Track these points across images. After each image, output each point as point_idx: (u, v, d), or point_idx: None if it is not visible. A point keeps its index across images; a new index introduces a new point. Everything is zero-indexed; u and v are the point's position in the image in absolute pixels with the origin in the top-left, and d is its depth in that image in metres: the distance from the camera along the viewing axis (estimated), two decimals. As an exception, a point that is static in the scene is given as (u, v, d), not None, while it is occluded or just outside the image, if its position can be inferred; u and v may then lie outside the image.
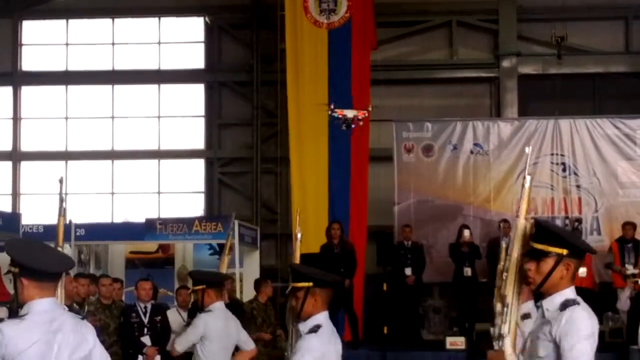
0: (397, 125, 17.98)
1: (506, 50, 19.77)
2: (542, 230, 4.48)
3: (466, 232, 16.07)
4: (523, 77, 19.73)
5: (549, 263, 4.40)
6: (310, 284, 5.85)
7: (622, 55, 19.90)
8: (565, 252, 4.39)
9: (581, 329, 4.30)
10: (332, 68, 17.31)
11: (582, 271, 15.03)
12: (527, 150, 5.55)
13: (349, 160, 17.10)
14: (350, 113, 16.62)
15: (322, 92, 17.24)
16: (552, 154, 17.66)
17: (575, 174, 17.61)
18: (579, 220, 17.09)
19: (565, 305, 4.36)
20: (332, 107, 16.59)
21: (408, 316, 16.08)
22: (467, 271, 15.92)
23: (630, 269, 15.19)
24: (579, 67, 19.52)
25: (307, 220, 16.91)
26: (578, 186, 17.59)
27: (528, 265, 4.42)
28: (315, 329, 5.83)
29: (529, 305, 5.97)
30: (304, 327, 5.86)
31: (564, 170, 17.63)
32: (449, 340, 14.41)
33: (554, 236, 4.44)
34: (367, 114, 16.64)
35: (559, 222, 17.05)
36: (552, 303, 4.41)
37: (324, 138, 17.14)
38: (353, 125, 16.73)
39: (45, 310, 4.72)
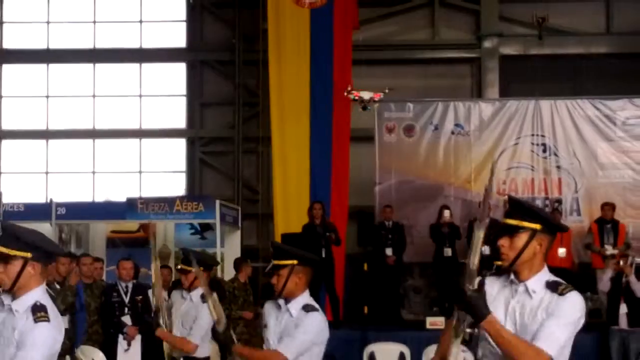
0: (378, 105, 17.99)
1: (488, 30, 19.82)
2: (515, 206, 4.46)
3: (447, 213, 16.12)
4: (504, 58, 19.78)
5: (522, 238, 4.36)
6: (295, 262, 5.88)
7: (603, 36, 19.97)
8: (538, 227, 4.37)
9: (571, 312, 4.29)
10: (314, 48, 17.31)
11: (562, 252, 15.18)
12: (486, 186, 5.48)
13: (330, 140, 17.12)
14: (366, 95, 16.61)
15: (304, 71, 17.24)
16: (533, 135, 17.73)
17: (556, 154, 17.68)
18: (559, 201, 17.18)
19: (555, 286, 4.33)
20: (349, 88, 16.60)
21: (388, 296, 16.14)
22: (448, 251, 15.97)
23: (609, 250, 15.29)
24: (560, 48, 19.58)
25: (289, 200, 17.01)
26: (558, 167, 17.68)
27: (502, 242, 4.38)
28: (312, 307, 5.88)
29: None
30: (294, 306, 5.86)
31: (544, 151, 17.70)
32: (429, 320, 14.46)
33: (527, 211, 4.43)
34: (382, 96, 16.65)
35: (539, 203, 17.16)
36: (538, 284, 4.37)
37: (306, 118, 17.15)
38: (369, 107, 16.77)
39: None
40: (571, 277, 14.47)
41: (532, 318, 4.29)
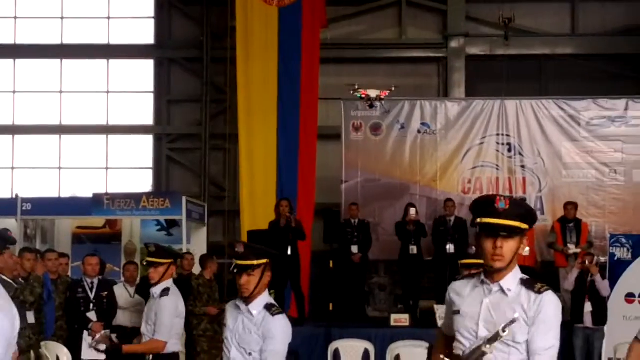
0: (345, 104, 18.09)
1: (454, 30, 19.93)
2: (517, 207, 4.38)
3: (412, 211, 16.20)
4: (471, 58, 19.90)
5: (516, 239, 4.33)
6: (268, 260, 5.81)
7: (568, 37, 20.14)
8: (527, 227, 4.38)
9: (556, 315, 4.33)
10: (282, 46, 17.34)
11: (526, 250, 15.29)
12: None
13: (297, 138, 17.16)
14: (373, 93, 16.80)
15: (272, 69, 17.27)
16: (498, 134, 17.89)
17: (521, 154, 17.85)
18: (524, 200, 17.30)
19: (531, 284, 4.35)
20: (356, 87, 16.73)
21: (353, 293, 16.23)
22: (413, 249, 16.06)
23: (572, 249, 15.45)
24: (526, 49, 19.73)
25: (256, 197, 17.05)
26: (523, 166, 17.84)
27: (501, 243, 4.29)
28: (276, 308, 5.83)
29: None
30: (255, 306, 5.79)
31: (509, 150, 17.86)
32: (394, 317, 14.56)
33: (525, 213, 4.40)
34: (388, 94, 16.79)
35: (503, 202, 17.25)
36: (512, 282, 4.37)
37: (273, 116, 17.19)
38: (376, 105, 16.95)
39: None
40: (535, 275, 14.63)
41: (509, 310, 4.29)
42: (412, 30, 20.34)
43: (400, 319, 14.43)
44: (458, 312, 4.43)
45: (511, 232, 4.30)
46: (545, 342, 4.27)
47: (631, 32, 19.84)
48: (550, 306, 4.31)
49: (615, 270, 13.66)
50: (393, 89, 16.78)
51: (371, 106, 17.14)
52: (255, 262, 5.72)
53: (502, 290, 4.34)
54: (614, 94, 18.18)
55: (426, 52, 20.29)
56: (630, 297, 13.46)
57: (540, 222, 17.06)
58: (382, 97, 16.86)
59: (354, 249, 16.06)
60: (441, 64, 20.26)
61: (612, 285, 13.14)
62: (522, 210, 4.39)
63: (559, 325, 4.34)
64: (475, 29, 20.14)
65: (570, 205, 15.95)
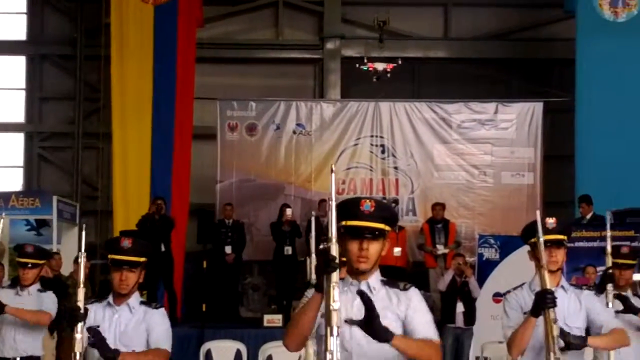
0: (221, 104, 18.08)
1: (330, 32, 20.06)
2: (381, 209, 4.44)
3: (288, 211, 16.29)
4: (346, 60, 20.06)
5: (380, 241, 4.40)
6: (146, 259, 5.83)
7: (441, 41, 20.48)
8: (390, 229, 4.44)
9: (425, 305, 4.46)
10: (157, 44, 17.16)
11: (397, 251, 15.53)
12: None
13: (172, 138, 17.00)
14: (380, 66, 17.41)
15: (147, 68, 17.07)
16: (372, 136, 18.13)
17: (394, 155, 18.12)
18: (396, 201, 17.54)
19: (393, 282, 4.45)
20: (365, 60, 17.19)
21: (227, 294, 16.21)
22: (288, 250, 16.14)
23: (440, 249, 15.75)
24: (400, 52, 19.95)
25: (129, 196, 16.84)
26: (396, 168, 18.12)
27: (367, 245, 4.34)
28: (157, 304, 5.89)
29: None
30: (133, 303, 5.79)
31: (382, 152, 18.11)
32: (267, 317, 14.58)
33: (389, 215, 4.47)
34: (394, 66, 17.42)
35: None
36: (376, 281, 4.45)
37: (148, 115, 17.00)
38: (383, 78, 17.88)
39: None
40: (405, 275, 14.89)
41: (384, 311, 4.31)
42: (288, 31, 20.40)
43: (273, 319, 14.46)
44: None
45: (376, 234, 4.35)
46: (424, 320, 4.38)
47: (502, 37, 20.33)
48: (418, 297, 4.43)
49: (483, 270, 13.93)
50: (400, 62, 17.39)
51: (377, 79, 17.64)
52: (138, 259, 5.73)
53: (369, 289, 4.39)
54: (485, 98, 18.63)
55: (302, 53, 20.37)
56: (497, 296, 13.69)
57: (412, 223, 17.42)
58: (389, 69, 17.34)
59: (228, 249, 16.06)
60: (317, 65, 20.37)
61: (480, 285, 13.40)
62: (386, 212, 4.45)
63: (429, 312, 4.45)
64: (351, 31, 20.31)
65: (438, 206, 16.26)
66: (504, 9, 20.17)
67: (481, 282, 13.50)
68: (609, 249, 7.26)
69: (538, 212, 5.52)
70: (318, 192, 17.62)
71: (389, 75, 18.03)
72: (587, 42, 16.95)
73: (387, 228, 4.40)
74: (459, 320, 13.37)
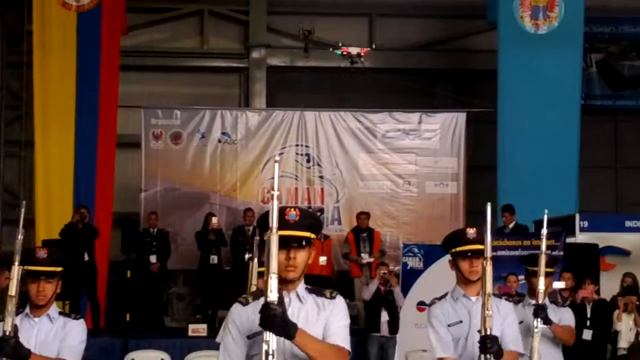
0: (145, 112, 17.97)
1: (256, 41, 20.05)
2: (306, 218, 4.45)
3: (213, 220, 16.28)
4: (272, 69, 20.08)
5: (307, 250, 4.41)
6: (62, 268, 5.76)
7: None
8: (315, 237, 4.50)
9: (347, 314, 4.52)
10: (80, 52, 16.99)
11: (323, 260, 15.57)
12: None
13: (95, 146, 16.83)
14: (354, 50, 17.59)
15: (70, 75, 16.89)
16: (297, 145, 18.18)
17: (319, 165, 18.19)
18: (321, 210, 17.63)
19: (319, 291, 4.48)
20: (340, 44, 17.26)
21: (151, 303, 16.11)
22: (213, 259, 16.13)
23: (365, 258, 15.85)
24: (325, 61, 20.04)
25: (52, 205, 16.64)
26: (321, 177, 18.19)
27: (294, 254, 4.34)
28: (76, 315, 5.83)
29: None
30: (52, 313, 5.73)
31: (308, 161, 18.18)
32: (192, 327, 14.52)
33: (314, 223, 4.51)
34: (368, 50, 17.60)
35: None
36: (304, 290, 4.46)
37: (71, 122, 16.82)
38: (357, 62, 17.98)
39: None
40: (330, 284, 14.94)
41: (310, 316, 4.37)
42: (213, 40, 20.34)
43: (198, 329, 14.41)
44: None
45: (303, 243, 4.35)
46: (341, 330, 4.42)
47: (426, 48, 20.53)
48: (341, 305, 4.47)
49: (407, 279, 14.02)
50: (374, 46, 17.42)
51: (352, 63, 17.67)
52: (57, 269, 5.68)
53: (298, 298, 4.40)
54: (409, 108, 18.79)
55: (228, 62, 20.34)
56: (421, 305, 13.82)
57: (337, 232, 17.50)
58: (363, 54, 17.48)
59: (153, 258, 15.96)
60: (242, 74, 20.35)
61: (405, 293, 13.51)
62: (311, 220, 4.45)
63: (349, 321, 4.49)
64: (277, 40, 20.34)
65: (363, 215, 16.38)
66: (429, 20, 20.38)
67: (405, 290, 13.61)
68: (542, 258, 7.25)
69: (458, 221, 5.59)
70: (244, 201, 17.62)
71: (362, 60, 18.09)
72: (509, 53, 17.20)
73: (313, 236, 4.41)
74: (384, 329, 13.47)
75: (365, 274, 15.64)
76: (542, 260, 7.09)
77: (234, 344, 4.36)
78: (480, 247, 5.64)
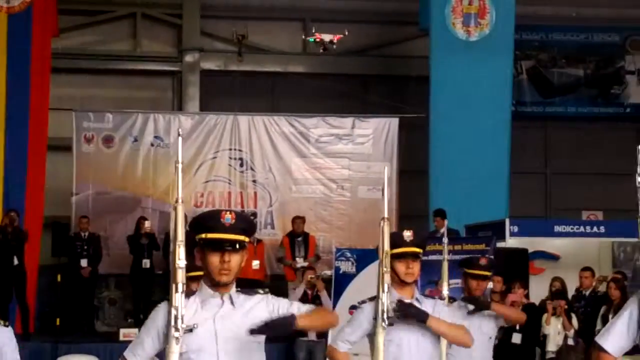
0: (77, 115, 17.81)
1: (189, 45, 19.97)
2: (241, 221, 4.48)
3: (145, 224, 16.21)
4: (205, 73, 20.03)
5: (240, 253, 4.41)
6: None
7: (300, 55, 20.65)
8: (249, 240, 4.56)
9: None
10: (11, 54, 16.78)
11: (255, 264, 15.59)
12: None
13: (26, 149, 16.64)
14: (327, 37, 17.45)
15: (0, 77, 16.71)
16: (231, 149, 18.16)
17: (252, 169, 18.18)
18: (255, 215, 17.62)
19: (249, 291, 4.52)
20: (313, 31, 17.30)
21: (82, 308, 16.00)
22: (146, 263, 16.06)
23: (300, 262, 15.88)
24: (259, 66, 20.08)
25: (-20, 208, 16.42)
26: (254, 181, 18.19)
27: (228, 258, 4.34)
28: (4, 322, 5.80)
29: None
30: None
31: (241, 165, 18.16)
32: (123, 331, 14.43)
33: (248, 226, 4.55)
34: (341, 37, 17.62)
35: (235, 216, 17.57)
36: (234, 293, 4.49)
37: (1, 125, 16.64)
38: (328, 49, 18.01)
39: None
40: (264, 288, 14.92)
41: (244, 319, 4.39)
42: (146, 43, 20.23)
43: (130, 334, 14.27)
44: (190, 330, 4.27)
45: (237, 247, 4.36)
46: (288, 302, 4.50)
47: (359, 53, 20.65)
48: (275, 299, 4.52)
49: (340, 283, 14.09)
50: (347, 33, 17.43)
51: (324, 49, 17.75)
52: None
53: (231, 301, 4.41)
54: (342, 113, 18.88)
55: (161, 66, 20.26)
56: (353, 309, 13.90)
57: (270, 236, 17.51)
58: (335, 40, 17.46)
59: (84, 262, 15.84)
60: (176, 78, 20.27)
61: (337, 298, 13.57)
62: (246, 224, 4.47)
63: None
64: (210, 44, 20.31)
65: (299, 220, 16.40)
66: (362, 26, 20.46)
67: (338, 295, 13.67)
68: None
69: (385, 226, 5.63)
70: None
71: (334, 46, 18.09)
72: (441, 59, 17.39)
73: (247, 239, 4.43)
74: (311, 333, 13.45)
75: (300, 278, 15.65)
76: (445, 266, 7.48)
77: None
78: (416, 249, 5.73)
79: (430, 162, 17.27)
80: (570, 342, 12.10)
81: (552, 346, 12.38)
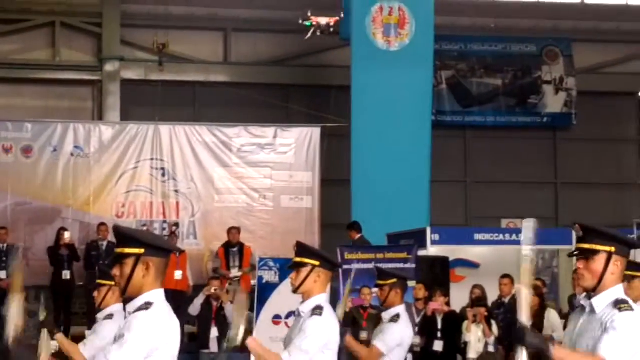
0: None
1: (109, 54, 19.83)
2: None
3: (67, 235, 16.03)
4: (126, 82, 19.89)
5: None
6: None
7: (221, 65, 20.67)
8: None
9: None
10: None
11: (178, 274, 15.48)
12: None
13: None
14: (323, 20, 17.74)
15: None
16: (152, 159, 18.06)
17: (174, 179, 18.10)
18: (177, 225, 17.55)
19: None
20: (309, 14, 17.36)
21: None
22: (66, 274, 15.87)
23: (234, 272, 15.82)
24: (180, 75, 20.03)
25: None
26: (176, 191, 18.10)
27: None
28: None
29: None
30: None
31: (163, 175, 18.07)
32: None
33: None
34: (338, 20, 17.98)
35: (157, 227, 17.51)
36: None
37: None
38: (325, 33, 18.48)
39: None
40: (187, 299, 14.84)
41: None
42: (66, 52, 20.01)
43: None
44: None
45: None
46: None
47: (281, 63, 20.73)
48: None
49: (263, 292, 14.06)
50: (342, 15, 17.48)
51: (322, 33, 18.19)
52: None
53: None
54: (264, 122, 18.92)
55: (80, 75, 20.07)
56: (277, 318, 13.91)
57: (193, 246, 17.42)
58: (332, 23, 17.61)
59: (2, 274, 15.57)
60: (96, 87, 20.10)
61: (260, 307, 13.53)
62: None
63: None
64: (131, 54, 20.19)
65: (234, 230, 16.30)
66: (284, 36, 20.55)
67: (261, 304, 13.63)
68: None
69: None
70: (97, 215, 17.38)
71: (332, 30, 18.23)
72: (362, 69, 17.52)
73: (135, 251, 4.37)
74: (214, 346, 13.35)
75: (233, 288, 15.57)
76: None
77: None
78: (296, 259, 5.81)
79: (352, 171, 17.38)
80: (491, 349, 12.22)
81: (472, 353, 12.49)
